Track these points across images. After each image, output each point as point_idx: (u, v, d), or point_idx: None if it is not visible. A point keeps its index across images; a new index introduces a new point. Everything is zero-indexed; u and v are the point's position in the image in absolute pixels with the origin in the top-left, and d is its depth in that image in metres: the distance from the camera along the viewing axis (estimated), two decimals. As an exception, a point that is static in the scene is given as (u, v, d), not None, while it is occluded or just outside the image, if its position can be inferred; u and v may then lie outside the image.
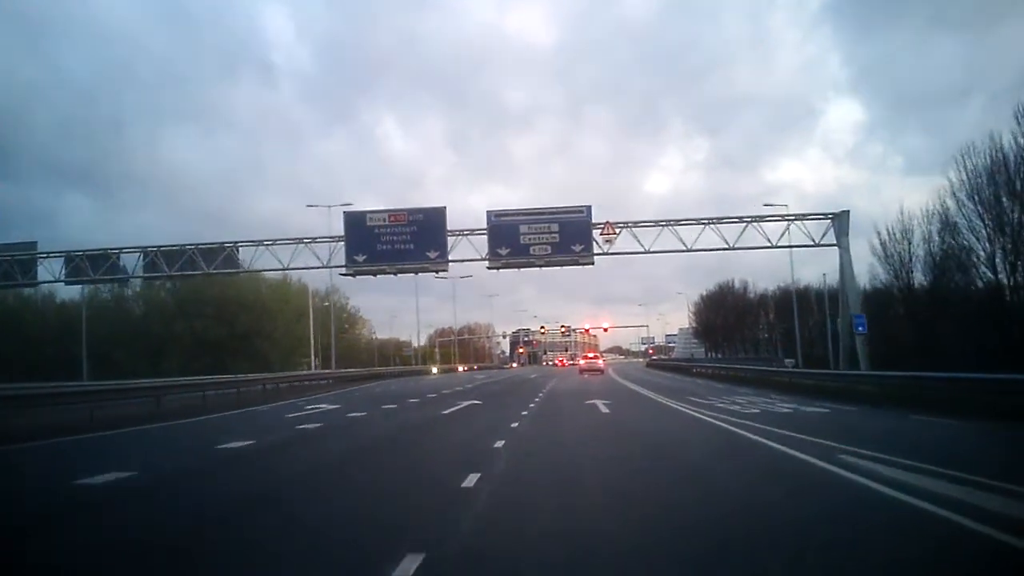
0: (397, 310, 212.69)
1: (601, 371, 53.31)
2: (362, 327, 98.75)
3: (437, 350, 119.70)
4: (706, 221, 34.15)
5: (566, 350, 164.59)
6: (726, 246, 34.11)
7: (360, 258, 33.44)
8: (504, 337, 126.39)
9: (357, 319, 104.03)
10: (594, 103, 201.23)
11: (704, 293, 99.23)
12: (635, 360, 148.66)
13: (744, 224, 34.21)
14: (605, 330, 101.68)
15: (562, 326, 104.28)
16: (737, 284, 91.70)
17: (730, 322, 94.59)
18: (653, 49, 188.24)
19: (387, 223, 33.61)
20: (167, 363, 67.81)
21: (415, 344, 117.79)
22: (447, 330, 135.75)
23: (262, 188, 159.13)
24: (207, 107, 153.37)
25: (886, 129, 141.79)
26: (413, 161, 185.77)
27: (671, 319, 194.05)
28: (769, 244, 34.51)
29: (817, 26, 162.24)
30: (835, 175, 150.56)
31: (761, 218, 34.76)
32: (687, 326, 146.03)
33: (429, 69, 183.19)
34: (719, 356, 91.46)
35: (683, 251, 33.98)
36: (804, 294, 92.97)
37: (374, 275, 34.14)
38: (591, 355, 67.95)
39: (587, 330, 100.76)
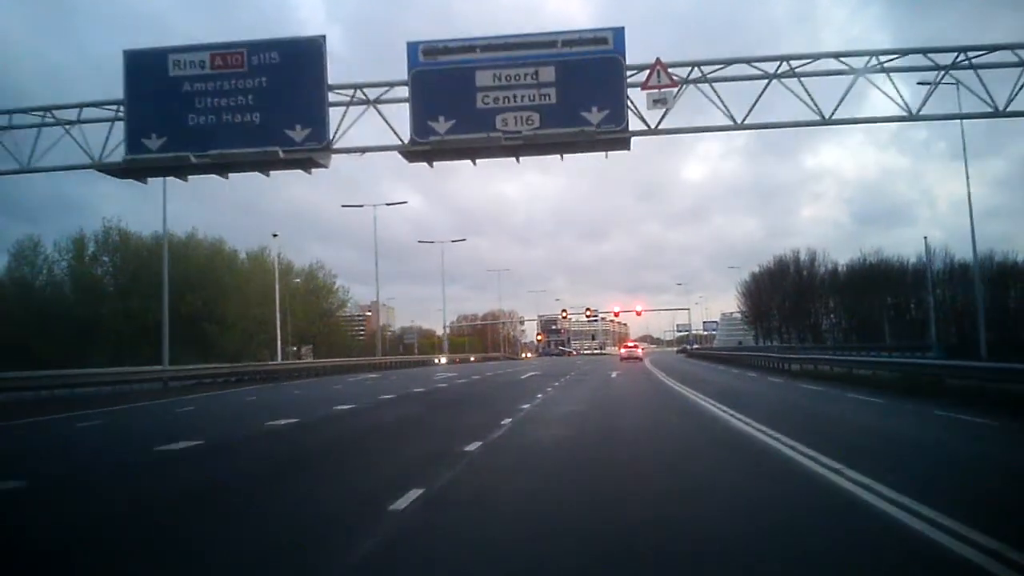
0: (428, 299, 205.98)
1: (640, 359, 54.20)
2: (338, 306, 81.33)
3: (446, 341, 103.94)
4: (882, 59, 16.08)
5: (592, 338, 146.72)
6: (904, 112, 16.16)
7: (154, 141, 15.96)
8: (523, 323, 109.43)
9: (345, 302, 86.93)
10: (632, 86, 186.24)
11: (758, 269, 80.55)
12: (668, 350, 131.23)
13: (939, 73, 16.14)
14: (638, 314, 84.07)
15: (587, 309, 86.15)
16: (803, 256, 72.83)
17: (789, 303, 75.91)
18: (695, 28, 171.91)
19: (208, 72, 16.19)
20: (98, 353, 53.04)
21: (441, 332, 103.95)
22: (470, 316, 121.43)
23: (294, 179, 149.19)
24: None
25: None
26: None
27: (710, 306, 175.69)
28: (991, 109, 16.33)
29: (866, 3, 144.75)
30: (877, 160, 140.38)
31: (969, 58, 16.51)
32: (729, 311, 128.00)
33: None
34: (773, 344, 72.93)
35: (815, 123, 16.12)
36: (878, 269, 73.98)
37: (180, 175, 16.58)
38: (631, 344, 66.80)
39: (617, 313, 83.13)
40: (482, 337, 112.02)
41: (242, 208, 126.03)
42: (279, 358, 57.73)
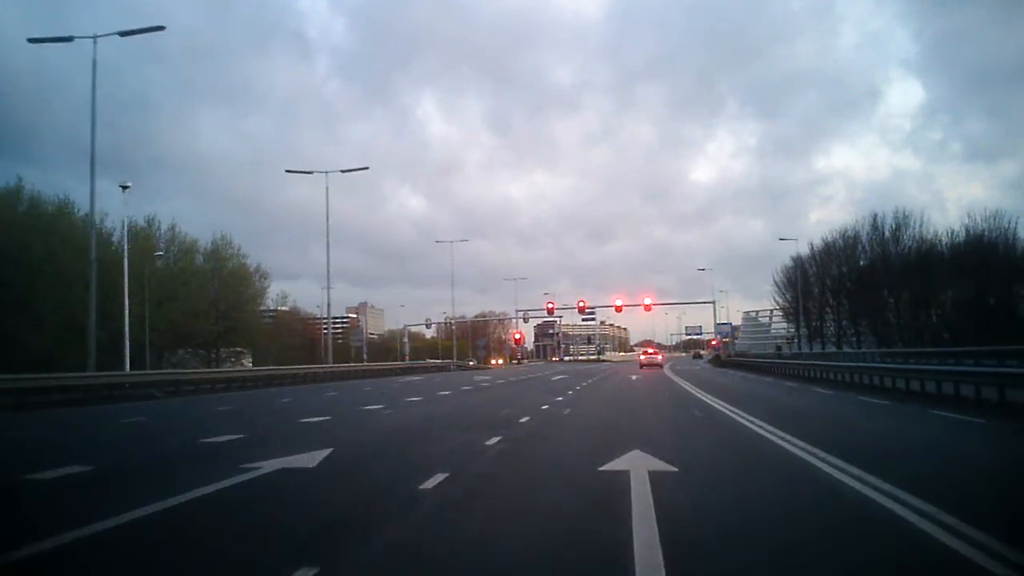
0: (424, 303, 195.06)
1: (660, 366, 49.74)
2: (249, 298, 60.08)
3: (407, 342, 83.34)
4: None
5: (589, 341, 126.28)
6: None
7: None
8: (503, 322, 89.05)
9: (263, 292, 65.02)
10: (644, 81, 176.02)
11: (811, 250, 59.12)
12: (676, 355, 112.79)
13: None
14: (647, 308, 63.06)
15: (580, 302, 64.87)
16: (890, 221, 51.11)
17: (854, 291, 54.75)
18: (710, 22, 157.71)
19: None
20: None
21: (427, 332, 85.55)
22: (458, 318, 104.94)
23: (297, 179, 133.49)
24: (237, 86, 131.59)
25: (948, 112, 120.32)
26: (451, 145, 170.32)
27: (727, 303, 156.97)
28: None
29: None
30: (889, 162, 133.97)
31: None
32: (753, 311, 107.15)
33: (470, 43, 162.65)
34: (829, 351, 51.67)
35: None
36: (993, 242, 52.79)
37: None
38: (651, 351, 59.53)
39: (619, 308, 62.10)
40: (476, 338, 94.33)
41: (242, 207, 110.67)
42: (127, 367, 36.14)
